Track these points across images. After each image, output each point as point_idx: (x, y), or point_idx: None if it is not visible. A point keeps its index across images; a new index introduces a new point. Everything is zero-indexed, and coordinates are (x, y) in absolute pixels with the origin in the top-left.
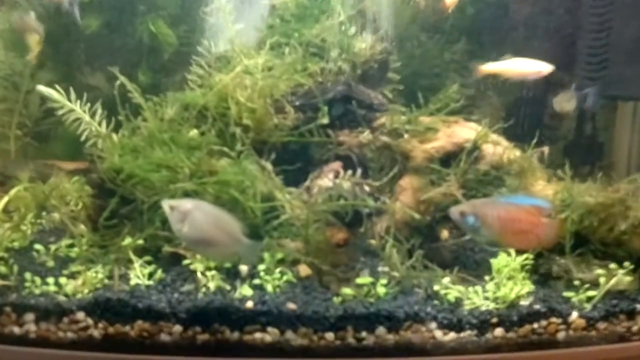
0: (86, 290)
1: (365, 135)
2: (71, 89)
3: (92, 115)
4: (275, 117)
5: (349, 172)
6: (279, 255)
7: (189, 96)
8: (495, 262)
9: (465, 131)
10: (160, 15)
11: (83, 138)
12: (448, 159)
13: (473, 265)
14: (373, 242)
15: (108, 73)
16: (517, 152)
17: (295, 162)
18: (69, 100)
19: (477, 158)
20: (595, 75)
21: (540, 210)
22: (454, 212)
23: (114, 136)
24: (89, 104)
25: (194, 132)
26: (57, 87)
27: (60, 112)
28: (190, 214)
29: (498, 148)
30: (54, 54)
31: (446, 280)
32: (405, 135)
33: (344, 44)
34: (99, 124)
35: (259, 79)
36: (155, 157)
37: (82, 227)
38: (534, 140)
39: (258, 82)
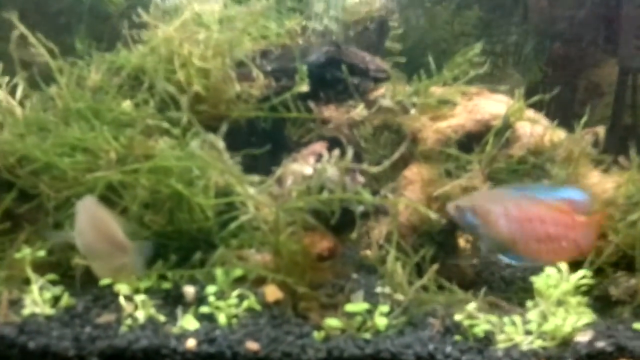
0: None
1: (359, 111)
2: None
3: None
4: (238, 84)
5: (336, 154)
6: (237, 272)
7: (121, 56)
8: (538, 282)
9: (491, 105)
10: None
11: None
12: (469, 141)
13: (505, 284)
14: (369, 253)
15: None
16: (562, 134)
17: (264, 145)
18: None
19: (508, 140)
20: None
21: (574, 204)
22: (450, 206)
23: (18, 110)
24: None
25: (126, 104)
26: None
27: None
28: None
29: (537, 127)
30: None
31: (471, 306)
32: (412, 111)
33: None
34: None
35: (215, 31)
36: (69, 136)
37: None
38: (583, 119)
39: (213, 35)
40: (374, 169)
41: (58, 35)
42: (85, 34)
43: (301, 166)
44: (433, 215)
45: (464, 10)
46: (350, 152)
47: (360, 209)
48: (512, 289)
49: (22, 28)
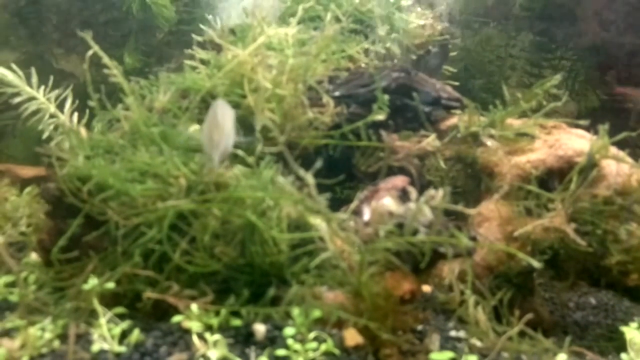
0: (25, 358)
1: (431, 141)
2: (34, 73)
3: (60, 106)
4: (310, 110)
5: (431, 191)
6: (316, 314)
7: (190, 78)
8: (630, 333)
9: (573, 140)
10: None
11: (46, 135)
12: (549, 178)
13: (580, 329)
14: (442, 296)
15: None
16: None
17: (332, 173)
18: (31, 85)
19: (593, 179)
20: None
21: None
22: None
23: (83, 131)
24: (56, 92)
25: (195, 128)
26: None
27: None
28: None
29: (623, 166)
30: (18, 30)
31: (562, 358)
32: (489, 143)
33: (395, 19)
34: (70, 117)
35: (290, 55)
36: (138, 160)
37: (34, 256)
38: None
39: (288, 59)
40: (471, 211)
41: (106, 48)
42: (134, 47)
43: (388, 202)
44: (523, 257)
45: (519, 33)
46: (442, 192)
47: (442, 249)
48: (590, 336)
49: (95, 47)
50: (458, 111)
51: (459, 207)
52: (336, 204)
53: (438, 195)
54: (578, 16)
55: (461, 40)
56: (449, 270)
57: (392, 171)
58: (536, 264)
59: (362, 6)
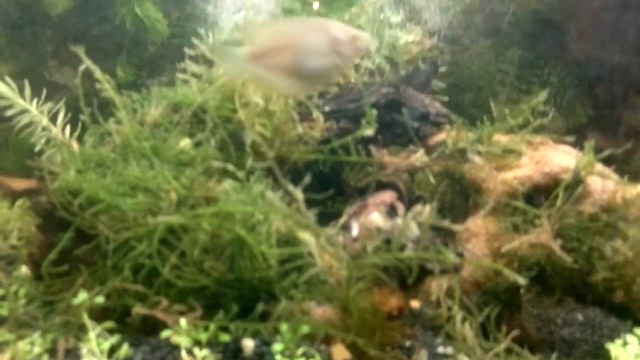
0: None
1: (419, 156)
2: (28, 85)
3: (53, 118)
4: (300, 125)
5: (418, 207)
6: (304, 329)
7: (181, 92)
8: (615, 350)
9: (559, 157)
10: None
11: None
12: (536, 194)
13: (567, 346)
14: (431, 312)
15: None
16: (633, 190)
17: (321, 187)
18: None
19: (579, 195)
20: None
21: None
22: None
23: (75, 145)
24: (49, 104)
25: (185, 142)
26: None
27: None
28: None
29: (608, 183)
30: (12, 42)
31: None
32: (476, 159)
33: (385, 35)
34: (62, 130)
35: None
36: (129, 174)
37: (25, 270)
38: None
39: None
40: (457, 227)
41: (99, 61)
42: (127, 60)
43: (376, 218)
44: (509, 273)
45: (508, 49)
46: (428, 207)
47: (429, 265)
48: (576, 352)
49: (87, 62)
50: (448, 126)
51: (446, 223)
52: (326, 218)
53: (425, 211)
54: (566, 32)
55: (450, 56)
56: (437, 286)
57: (381, 186)
58: (522, 280)
59: (352, 22)
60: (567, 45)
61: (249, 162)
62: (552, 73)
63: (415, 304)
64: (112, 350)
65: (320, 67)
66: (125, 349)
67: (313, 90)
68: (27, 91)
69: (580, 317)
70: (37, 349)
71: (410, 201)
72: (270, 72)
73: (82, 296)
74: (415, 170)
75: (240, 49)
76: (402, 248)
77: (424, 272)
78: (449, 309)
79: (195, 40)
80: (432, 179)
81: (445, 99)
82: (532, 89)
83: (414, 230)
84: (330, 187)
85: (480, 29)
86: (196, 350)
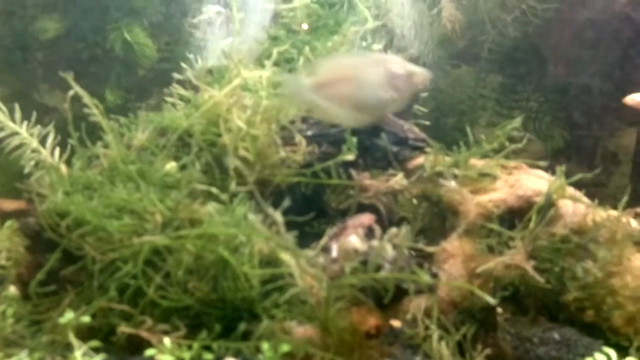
0: None
1: (398, 180)
2: (18, 108)
3: (43, 141)
4: (283, 149)
5: (394, 230)
6: (285, 348)
7: (168, 117)
8: None
9: (532, 180)
10: (137, 21)
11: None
12: (510, 217)
13: None
14: (407, 331)
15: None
16: (603, 213)
17: (303, 210)
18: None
19: (551, 218)
20: None
21: None
22: None
23: (63, 167)
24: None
25: (171, 165)
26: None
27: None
28: None
29: (579, 206)
30: (3, 65)
31: None
32: (453, 183)
33: None
34: (51, 152)
35: (264, 97)
36: (115, 197)
37: (13, 289)
38: (624, 198)
39: (262, 101)
40: (431, 249)
41: (88, 84)
42: (116, 84)
43: (354, 240)
44: (481, 293)
45: (488, 74)
46: (404, 229)
47: (405, 285)
48: None
49: (77, 88)
50: (428, 150)
51: (421, 245)
52: (310, 239)
53: (401, 233)
54: (545, 58)
55: (432, 82)
56: (415, 305)
57: (362, 208)
58: (492, 300)
59: (334, 50)
60: (545, 71)
61: (232, 185)
62: (531, 98)
63: (396, 323)
64: None
65: (377, 99)
66: None
67: (369, 121)
68: (18, 114)
69: (556, 335)
70: None
71: (390, 222)
72: (330, 102)
73: (69, 315)
74: (395, 192)
75: (305, 79)
76: (379, 269)
77: (401, 292)
78: (427, 328)
79: (183, 65)
80: (414, 201)
81: (427, 123)
82: (513, 113)
83: (389, 251)
84: (313, 209)
85: (462, 56)
86: None
